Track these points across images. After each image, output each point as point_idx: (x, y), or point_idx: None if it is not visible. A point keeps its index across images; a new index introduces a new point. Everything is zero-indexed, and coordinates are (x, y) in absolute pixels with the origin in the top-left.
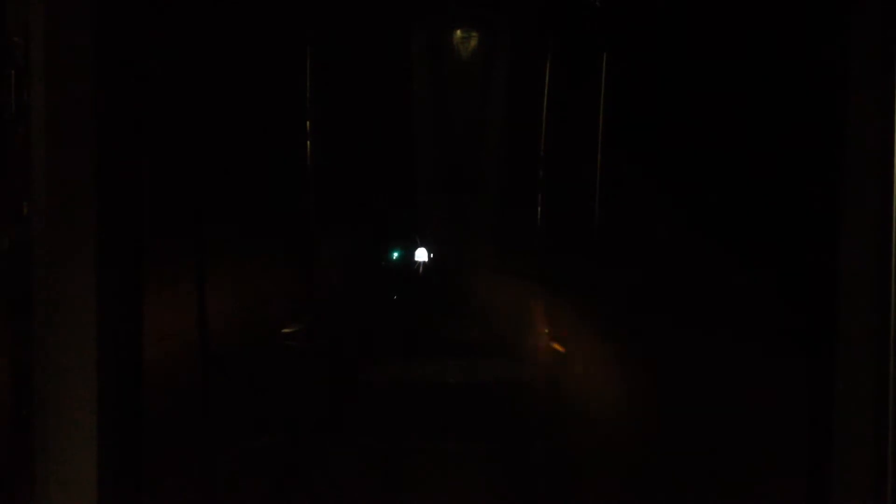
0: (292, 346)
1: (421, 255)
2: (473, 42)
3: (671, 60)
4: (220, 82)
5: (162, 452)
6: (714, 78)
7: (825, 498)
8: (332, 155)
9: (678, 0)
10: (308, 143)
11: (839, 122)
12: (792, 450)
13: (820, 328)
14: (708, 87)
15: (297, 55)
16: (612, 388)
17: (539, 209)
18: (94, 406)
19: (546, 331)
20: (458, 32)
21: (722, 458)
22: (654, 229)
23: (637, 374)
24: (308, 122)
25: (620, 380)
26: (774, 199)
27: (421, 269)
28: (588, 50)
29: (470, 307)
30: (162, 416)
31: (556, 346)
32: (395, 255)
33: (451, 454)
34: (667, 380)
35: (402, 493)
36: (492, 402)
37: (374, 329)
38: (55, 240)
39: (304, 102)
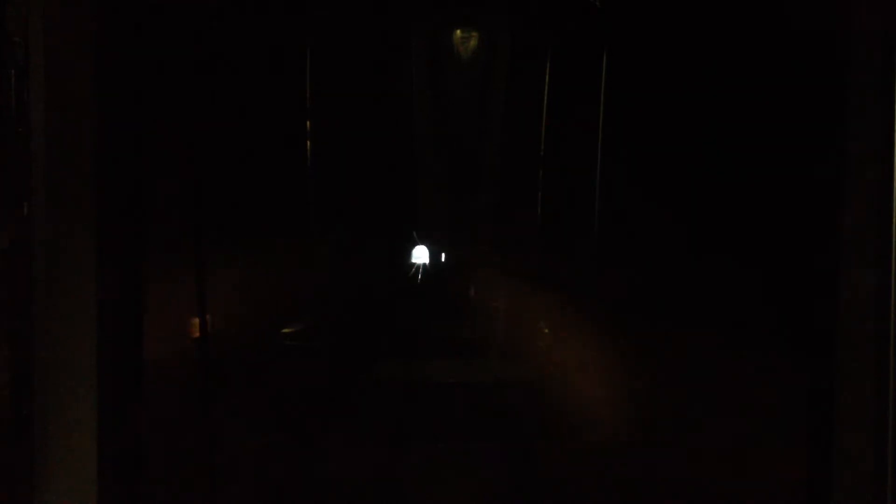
0: (292, 346)
1: (421, 255)
2: (473, 42)
3: (671, 59)
4: (220, 81)
5: (162, 452)
6: (714, 77)
7: (825, 498)
8: (332, 155)
9: (678, 0)
10: (308, 143)
11: (839, 121)
12: (792, 449)
13: (820, 329)
14: (708, 87)
15: (297, 55)
16: (611, 388)
17: (539, 209)
18: (94, 406)
19: (546, 330)
20: (458, 32)
21: (722, 458)
22: (653, 229)
23: (636, 374)
24: (308, 122)
25: (619, 379)
26: (775, 199)
27: (421, 269)
28: (588, 50)
29: (470, 307)
30: (162, 416)
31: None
32: (393, 255)
33: (452, 454)
34: (665, 380)
35: (402, 493)
36: (492, 402)
37: (375, 329)
38: (55, 240)
39: (305, 102)
